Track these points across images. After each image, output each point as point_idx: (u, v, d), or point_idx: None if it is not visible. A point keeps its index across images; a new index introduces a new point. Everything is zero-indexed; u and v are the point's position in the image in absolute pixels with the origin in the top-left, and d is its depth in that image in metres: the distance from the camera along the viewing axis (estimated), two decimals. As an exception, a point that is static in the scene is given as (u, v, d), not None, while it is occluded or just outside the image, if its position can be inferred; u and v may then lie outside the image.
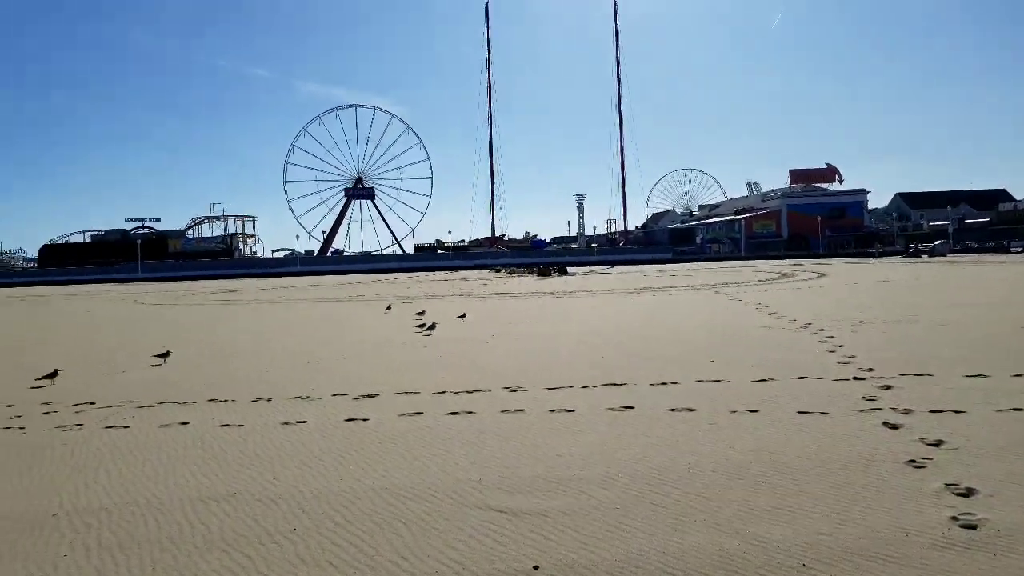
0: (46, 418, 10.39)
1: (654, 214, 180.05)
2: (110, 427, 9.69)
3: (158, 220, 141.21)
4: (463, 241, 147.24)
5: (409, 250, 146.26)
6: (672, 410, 9.43)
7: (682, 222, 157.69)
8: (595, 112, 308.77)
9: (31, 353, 18.54)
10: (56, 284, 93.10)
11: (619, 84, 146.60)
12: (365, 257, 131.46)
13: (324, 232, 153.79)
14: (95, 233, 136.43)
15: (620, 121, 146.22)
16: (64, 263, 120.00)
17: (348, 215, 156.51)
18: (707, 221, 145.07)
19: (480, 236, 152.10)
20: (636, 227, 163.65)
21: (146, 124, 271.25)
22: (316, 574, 4.98)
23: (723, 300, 28.80)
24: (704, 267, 75.85)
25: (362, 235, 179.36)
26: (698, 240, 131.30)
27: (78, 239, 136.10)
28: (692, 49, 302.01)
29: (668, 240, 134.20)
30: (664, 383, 11.26)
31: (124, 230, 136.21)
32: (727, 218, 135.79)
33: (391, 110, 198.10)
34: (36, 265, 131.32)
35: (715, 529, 5.47)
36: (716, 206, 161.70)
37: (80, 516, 6.31)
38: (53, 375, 13.39)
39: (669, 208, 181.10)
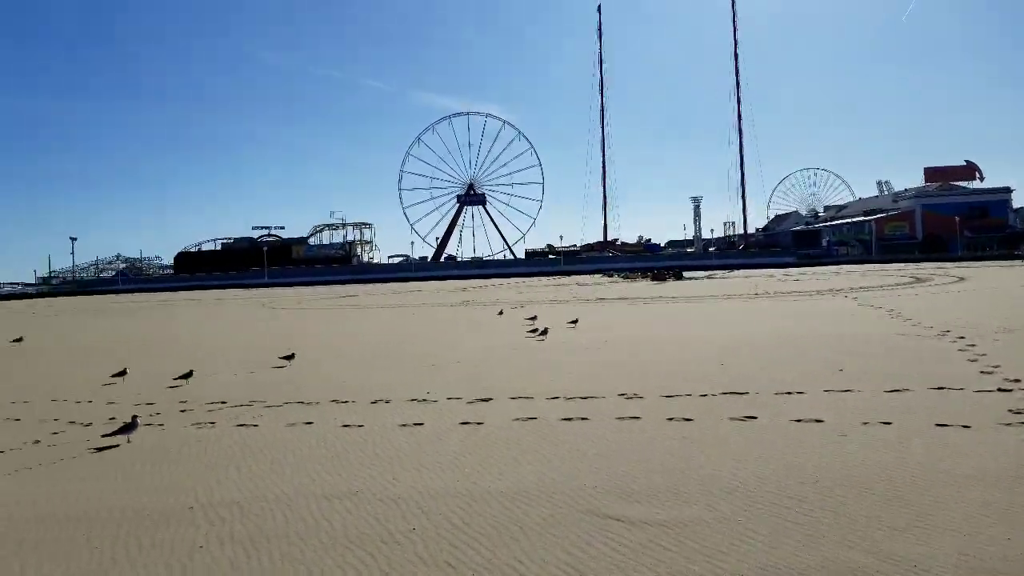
0: (183, 416, 11.06)
1: (776, 216, 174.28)
2: (241, 425, 10.22)
3: (282, 228, 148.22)
4: (574, 246, 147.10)
5: (520, 255, 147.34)
6: (798, 421, 9.09)
7: (806, 224, 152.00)
8: (712, 112, 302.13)
9: (168, 354, 19.77)
10: (190, 289, 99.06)
11: (738, 83, 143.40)
12: (477, 262, 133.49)
13: (437, 238, 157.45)
14: (225, 241, 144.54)
15: (739, 120, 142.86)
16: (197, 269, 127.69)
17: (460, 221, 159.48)
18: (834, 222, 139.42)
19: (592, 240, 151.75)
20: (757, 229, 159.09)
21: (270, 136, 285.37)
22: (437, 574, 5.08)
23: (852, 306, 27.56)
24: (831, 271, 72.84)
25: (474, 240, 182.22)
26: (824, 243, 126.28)
27: (210, 247, 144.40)
28: (815, 45, 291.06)
29: (791, 243, 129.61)
30: (789, 392, 10.87)
31: (251, 238, 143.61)
32: (856, 219, 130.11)
33: (502, 116, 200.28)
34: (172, 271, 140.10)
35: (846, 545, 5.23)
36: (844, 207, 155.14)
37: (214, 510, 6.67)
38: (188, 375, 14.24)
39: (792, 209, 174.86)
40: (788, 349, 15.60)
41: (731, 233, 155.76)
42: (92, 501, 7.07)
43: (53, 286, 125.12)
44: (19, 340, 25.68)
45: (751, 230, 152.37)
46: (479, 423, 9.68)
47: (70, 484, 7.68)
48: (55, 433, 10.20)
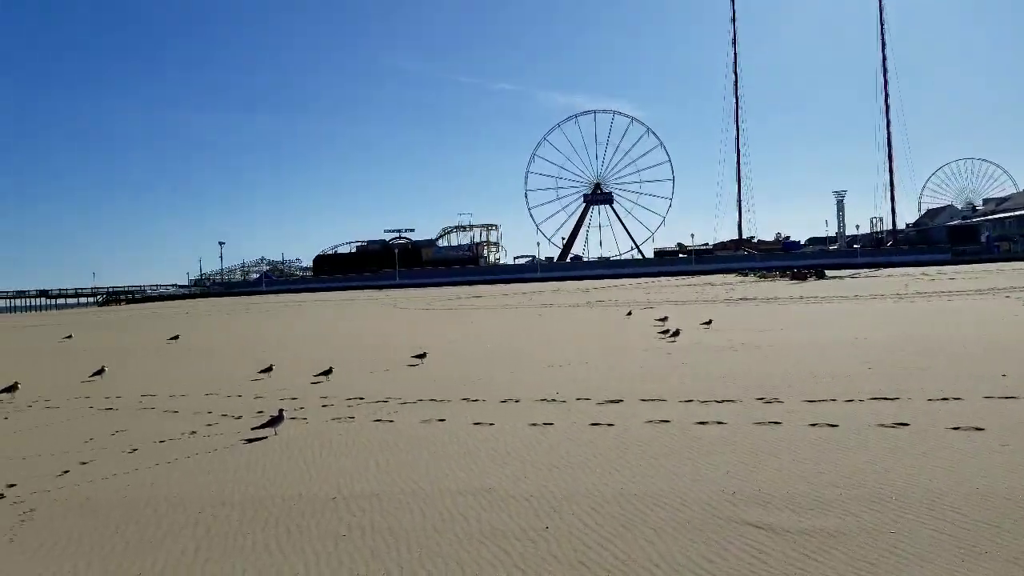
0: (324, 411, 11.63)
1: (928, 210, 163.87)
2: (378, 421, 10.64)
3: (412, 231, 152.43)
4: (707, 244, 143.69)
5: (649, 255, 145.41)
6: (955, 428, 8.57)
7: (963, 218, 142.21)
8: (854, 101, 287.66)
9: (309, 351, 20.80)
10: (327, 290, 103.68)
11: (885, 68, 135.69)
12: (604, 263, 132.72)
13: (563, 238, 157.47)
14: (359, 243, 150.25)
15: (887, 109, 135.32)
16: (333, 271, 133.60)
17: (587, 221, 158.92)
18: (994, 217, 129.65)
19: (725, 239, 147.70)
20: (907, 225, 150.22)
21: (402, 141, 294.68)
22: (570, 573, 5.14)
23: (1016, 307, 25.62)
24: (991, 269, 67.88)
25: (601, 240, 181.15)
26: (983, 239, 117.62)
27: (345, 249, 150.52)
28: (970, 27, 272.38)
29: (946, 239, 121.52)
30: (944, 398, 10.26)
31: (384, 240, 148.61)
32: (1021, 212, 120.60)
33: (630, 113, 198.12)
34: (311, 273, 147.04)
35: (1011, 563, 4.90)
36: (1005, 199, 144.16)
37: (355, 501, 6.99)
38: (328, 372, 14.95)
39: (947, 203, 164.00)
40: (941, 353, 14.69)
41: (878, 229, 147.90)
42: (244, 490, 7.56)
43: (204, 288, 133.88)
44: (175, 338, 27.69)
45: (900, 226, 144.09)
46: (610, 424, 9.67)
47: (224, 473, 8.24)
48: (209, 425, 10.96)
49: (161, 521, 6.70)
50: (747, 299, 37.64)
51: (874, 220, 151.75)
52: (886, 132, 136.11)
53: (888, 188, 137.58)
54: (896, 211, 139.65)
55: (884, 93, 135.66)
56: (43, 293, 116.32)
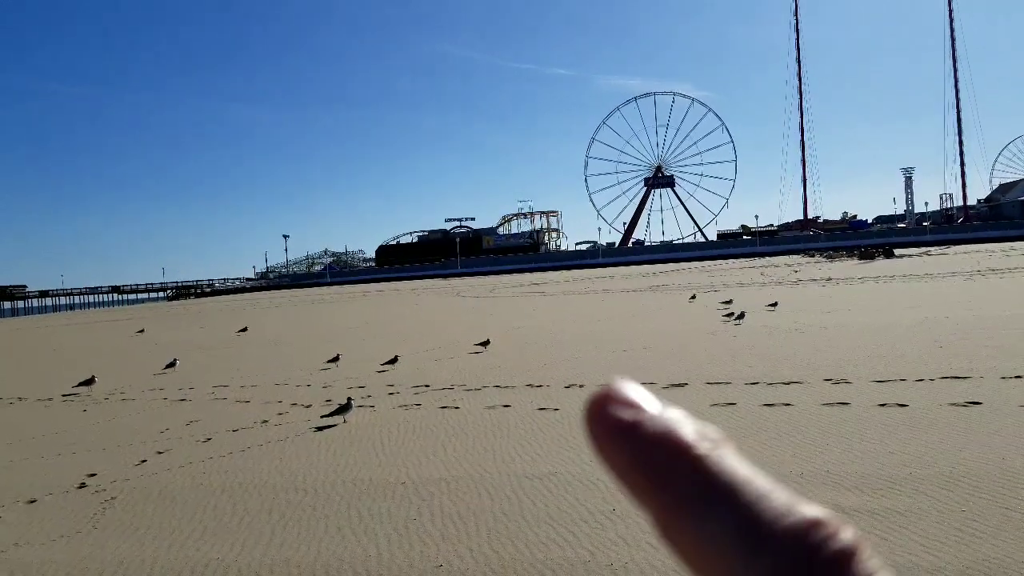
0: (391, 398, 11.87)
1: (1001, 185, 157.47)
2: (444, 407, 10.82)
3: (472, 219, 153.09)
4: (771, 226, 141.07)
5: (712, 238, 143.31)
6: (1032, 407, 8.32)
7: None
8: (920, 75, 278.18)
9: (374, 341, 21.16)
10: (389, 280, 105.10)
11: (953, 41, 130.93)
12: (666, 247, 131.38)
13: (624, 223, 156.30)
14: (420, 233, 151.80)
15: (956, 80, 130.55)
16: (396, 261, 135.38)
17: (648, 205, 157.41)
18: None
19: (790, 219, 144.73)
20: (977, 201, 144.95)
21: (462, 130, 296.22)
22: (639, 555, 5.18)
23: (1097, 282, 24.55)
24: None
25: (663, 224, 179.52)
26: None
27: (407, 240, 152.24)
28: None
29: (1019, 214, 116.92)
30: (1018, 376, 9.95)
31: (445, 230, 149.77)
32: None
33: (691, 94, 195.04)
34: (373, 263, 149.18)
35: (1094, 544, 4.77)
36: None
37: (424, 486, 7.15)
38: (394, 360, 15.22)
39: (1020, 177, 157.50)
40: (1014, 331, 14.21)
41: (948, 206, 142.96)
42: (316, 476, 7.79)
43: (270, 280, 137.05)
44: (244, 330, 28.48)
45: (971, 202, 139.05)
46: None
47: (296, 460, 8.50)
48: (280, 414, 11.28)
49: (236, 507, 6.96)
50: (813, 280, 36.87)
51: (944, 196, 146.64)
52: (955, 106, 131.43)
53: (959, 163, 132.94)
54: (967, 187, 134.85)
55: (953, 66, 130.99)
56: (115, 289, 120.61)
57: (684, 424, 0.33)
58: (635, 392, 0.34)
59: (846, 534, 0.29)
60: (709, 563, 0.29)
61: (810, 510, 0.29)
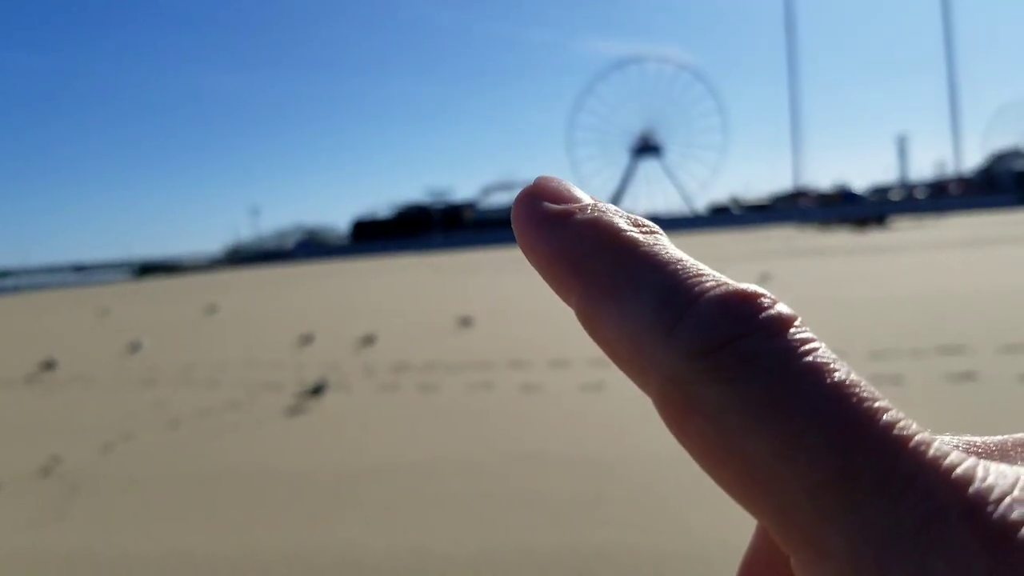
0: (368, 379, 11.84)
1: (995, 153, 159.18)
2: (423, 387, 10.81)
3: (452, 191, 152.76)
4: (762, 196, 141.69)
5: (700, 209, 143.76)
6: (1028, 381, 8.44)
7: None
8: (914, 38, 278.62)
9: (350, 319, 21.09)
10: (365, 256, 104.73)
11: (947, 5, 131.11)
12: (652, 218, 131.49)
13: (611, 193, 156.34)
14: (398, 207, 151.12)
15: (950, 46, 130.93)
16: (372, 236, 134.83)
17: (634, 175, 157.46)
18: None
19: (781, 189, 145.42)
20: (972, 169, 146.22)
21: (435, 96, 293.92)
22: (625, 535, 5.20)
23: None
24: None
25: (650, 194, 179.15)
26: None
27: (383, 213, 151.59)
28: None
29: (1014, 183, 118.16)
30: (1014, 349, 10.07)
31: (422, 204, 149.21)
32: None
33: (677, 59, 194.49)
34: (349, 239, 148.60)
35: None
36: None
37: (403, 469, 7.16)
38: (371, 340, 15.21)
39: (1015, 144, 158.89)
40: (1009, 302, 14.38)
41: (942, 174, 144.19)
42: (290, 460, 7.77)
43: (239, 256, 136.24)
44: (213, 309, 28.31)
45: (966, 169, 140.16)
46: (663, 385, 9.68)
47: (269, 444, 8.47)
48: (251, 396, 11.23)
49: (207, 493, 6.93)
50: (805, 251, 37.11)
51: (938, 165, 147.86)
52: (949, 73, 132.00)
53: (952, 131, 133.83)
54: (962, 155, 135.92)
55: (947, 32, 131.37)
56: (78, 268, 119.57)
57: (613, 213, 0.30)
58: (564, 186, 0.31)
59: (780, 306, 0.27)
60: (630, 348, 0.27)
61: (743, 285, 0.28)
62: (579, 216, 0.29)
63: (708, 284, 0.26)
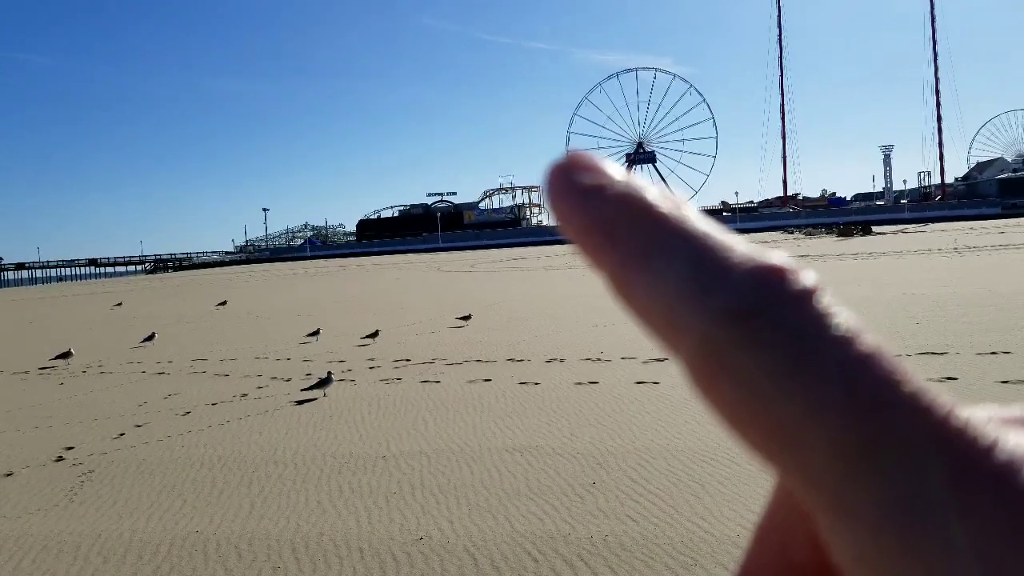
0: (372, 372, 11.82)
1: (978, 163, 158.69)
2: (425, 382, 10.79)
3: (454, 194, 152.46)
4: (751, 202, 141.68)
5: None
6: (1003, 382, 8.43)
7: (1014, 171, 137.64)
8: (902, 54, 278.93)
9: (355, 315, 21.06)
10: (370, 255, 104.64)
11: (933, 19, 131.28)
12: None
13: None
14: (401, 208, 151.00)
15: (935, 58, 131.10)
16: (376, 235, 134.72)
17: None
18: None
19: (770, 196, 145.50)
20: (956, 179, 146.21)
21: (439, 103, 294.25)
22: (619, 528, 5.19)
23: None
24: (1044, 222, 65.84)
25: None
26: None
27: (388, 214, 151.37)
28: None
29: (996, 192, 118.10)
30: (993, 352, 10.06)
31: (426, 204, 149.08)
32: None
33: (672, 70, 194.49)
34: (354, 238, 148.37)
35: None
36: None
37: (405, 459, 7.13)
38: (374, 335, 15.15)
39: (997, 156, 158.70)
40: (990, 307, 14.37)
41: (926, 184, 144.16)
42: (296, 449, 7.75)
43: (249, 254, 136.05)
44: (223, 304, 28.24)
45: (948, 180, 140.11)
46: (655, 383, 9.67)
47: (276, 434, 8.45)
48: (259, 388, 11.20)
49: (215, 481, 6.91)
50: (792, 256, 37.04)
51: (922, 174, 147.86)
52: (934, 84, 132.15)
53: (936, 142, 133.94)
54: (944, 165, 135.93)
55: (932, 44, 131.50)
56: (93, 262, 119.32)
57: (645, 186, 0.30)
58: (597, 160, 0.31)
59: (808, 276, 0.27)
60: (662, 314, 0.27)
61: (773, 256, 0.28)
62: (612, 188, 0.29)
63: (740, 253, 0.26)
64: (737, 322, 0.26)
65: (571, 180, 0.30)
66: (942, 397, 0.25)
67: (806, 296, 0.27)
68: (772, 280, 0.27)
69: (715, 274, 0.27)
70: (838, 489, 0.24)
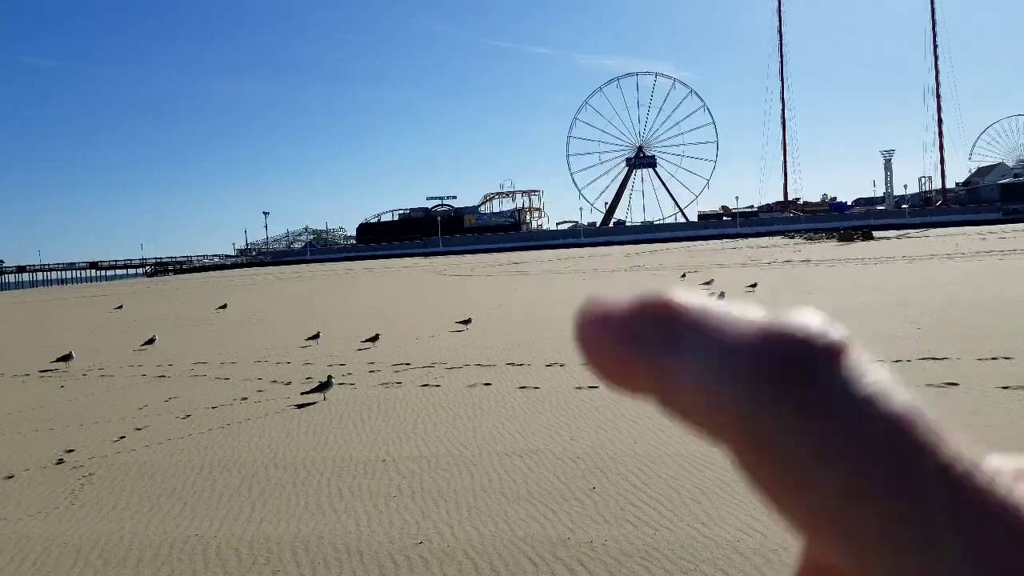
0: (371, 376, 11.82)
1: (979, 169, 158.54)
2: (425, 385, 10.79)
3: (454, 198, 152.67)
4: (752, 207, 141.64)
5: (693, 219, 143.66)
6: (1005, 388, 8.43)
7: (1015, 176, 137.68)
8: (902, 58, 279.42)
9: (355, 318, 21.07)
10: (370, 258, 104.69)
11: (934, 21, 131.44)
12: (647, 227, 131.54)
13: (606, 203, 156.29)
14: (402, 212, 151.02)
15: (936, 62, 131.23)
16: (377, 239, 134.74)
17: (630, 185, 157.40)
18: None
19: (770, 201, 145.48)
20: (956, 184, 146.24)
21: (440, 107, 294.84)
22: (617, 532, 5.20)
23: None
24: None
25: (644, 205, 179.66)
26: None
27: (388, 218, 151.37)
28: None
29: (997, 197, 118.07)
30: (994, 358, 10.07)
31: (426, 208, 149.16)
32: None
33: (673, 75, 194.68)
34: (355, 241, 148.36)
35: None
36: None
37: (404, 463, 7.14)
38: (375, 338, 15.16)
39: (998, 161, 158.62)
40: (992, 313, 14.37)
41: (927, 189, 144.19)
42: (296, 453, 7.76)
43: (250, 257, 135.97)
44: (223, 307, 28.25)
45: (950, 185, 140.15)
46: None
47: (276, 437, 8.45)
48: (259, 391, 11.21)
49: (215, 484, 6.92)
50: (793, 261, 37.12)
51: (923, 179, 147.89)
52: (935, 89, 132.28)
53: (937, 146, 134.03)
54: (945, 170, 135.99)
55: (933, 49, 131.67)
56: (93, 265, 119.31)
57: (653, 296, 0.30)
58: (609, 300, 0.31)
59: (832, 334, 0.27)
60: (700, 405, 0.26)
61: (800, 318, 0.27)
62: (623, 313, 0.29)
63: (762, 324, 0.26)
64: (766, 391, 0.25)
65: (593, 328, 0.30)
66: (976, 458, 0.25)
67: (834, 356, 0.26)
68: (797, 344, 0.26)
69: (740, 348, 0.26)
70: (888, 562, 0.23)
